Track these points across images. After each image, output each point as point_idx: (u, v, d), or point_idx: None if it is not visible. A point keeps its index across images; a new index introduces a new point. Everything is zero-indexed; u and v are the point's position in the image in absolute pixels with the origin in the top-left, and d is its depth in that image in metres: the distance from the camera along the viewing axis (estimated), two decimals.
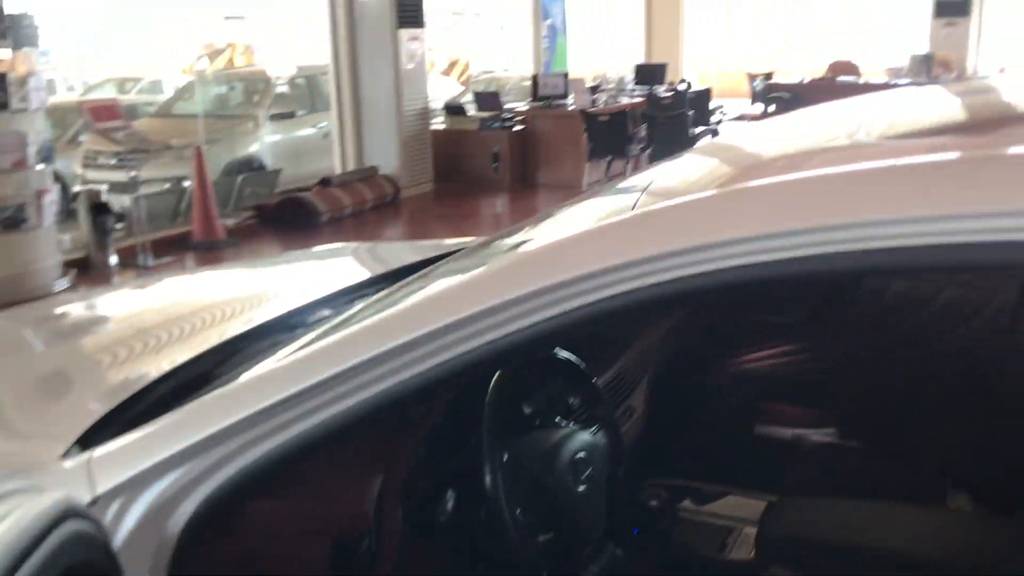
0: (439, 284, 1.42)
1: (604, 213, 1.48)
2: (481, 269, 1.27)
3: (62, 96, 17.91)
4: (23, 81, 5.80)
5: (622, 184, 1.92)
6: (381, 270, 2.33)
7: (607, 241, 1.14)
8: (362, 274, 2.37)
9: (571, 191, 9.38)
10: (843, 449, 2.23)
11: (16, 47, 5.88)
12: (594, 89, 10.80)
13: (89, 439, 1.41)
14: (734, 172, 1.51)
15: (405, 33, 9.04)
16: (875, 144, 1.43)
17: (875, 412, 2.18)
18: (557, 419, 1.58)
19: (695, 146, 2.03)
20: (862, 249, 0.98)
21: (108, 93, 17.47)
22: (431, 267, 1.84)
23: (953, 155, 1.16)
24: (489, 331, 1.12)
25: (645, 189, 1.41)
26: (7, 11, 5.85)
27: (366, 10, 9.04)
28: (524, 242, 1.59)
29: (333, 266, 2.72)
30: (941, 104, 1.76)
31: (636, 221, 1.18)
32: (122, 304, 2.52)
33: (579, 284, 1.09)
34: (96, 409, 1.53)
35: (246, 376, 1.36)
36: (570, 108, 9.98)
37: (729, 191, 1.20)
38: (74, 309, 2.50)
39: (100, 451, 1.27)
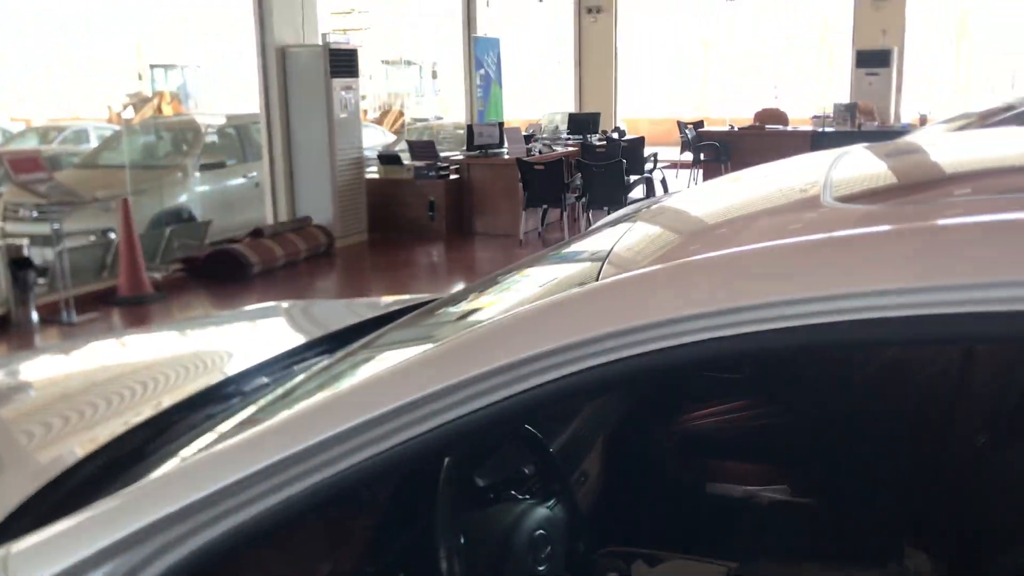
0: (388, 360, 1.35)
1: (557, 282, 1.44)
2: (440, 344, 1.21)
3: None
4: None
5: (569, 249, 1.88)
6: (317, 332, 2.25)
7: (574, 314, 1.09)
8: (297, 337, 2.28)
9: (507, 239, 9.39)
10: (796, 506, 2.19)
11: None
12: (528, 138, 10.87)
13: (6, 528, 1.30)
14: (687, 242, 1.47)
15: (339, 82, 8.99)
16: (810, 211, 1.41)
17: (827, 468, 2.15)
18: (512, 491, 1.51)
19: (640, 210, 2.00)
20: (814, 324, 0.96)
21: (30, 143, 17.07)
22: (375, 335, 1.77)
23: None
24: (445, 412, 1.06)
25: (603, 259, 1.36)
26: None
27: (298, 59, 8.98)
28: (473, 310, 1.53)
29: (266, 327, 2.63)
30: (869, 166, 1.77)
31: (601, 293, 1.13)
32: (44, 371, 2.40)
33: (543, 360, 1.03)
34: (14, 494, 1.42)
35: (185, 458, 1.27)
36: (506, 157, 10.01)
37: (687, 264, 1.16)
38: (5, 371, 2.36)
39: (19, 545, 1.16)
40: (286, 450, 1.07)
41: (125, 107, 24.86)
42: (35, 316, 6.40)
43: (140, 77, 29.34)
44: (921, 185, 1.54)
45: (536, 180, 9.19)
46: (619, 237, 1.73)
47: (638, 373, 1.05)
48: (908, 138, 2.10)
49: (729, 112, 20.65)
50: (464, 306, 1.77)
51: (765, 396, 2.32)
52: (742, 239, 1.24)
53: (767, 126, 13.08)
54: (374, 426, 1.06)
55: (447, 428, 1.06)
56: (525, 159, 9.49)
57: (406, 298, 2.63)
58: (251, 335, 2.54)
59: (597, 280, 1.22)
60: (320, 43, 9.10)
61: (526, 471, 1.56)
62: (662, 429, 2.28)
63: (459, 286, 8.21)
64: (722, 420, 2.33)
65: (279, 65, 8.97)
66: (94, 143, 14.83)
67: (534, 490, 1.54)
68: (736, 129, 13.28)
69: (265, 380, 1.86)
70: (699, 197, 2.04)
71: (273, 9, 8.86)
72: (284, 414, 1.19)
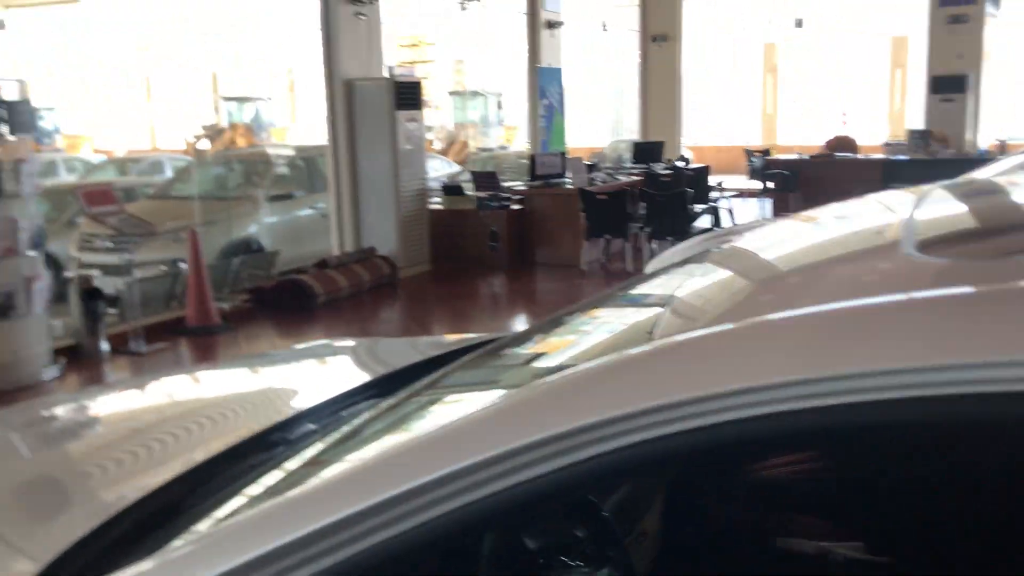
0: (446, 416, 1.28)
1: (621, 336, 1.36)
2: (496, 404, 1.15)
3: (63, 177, 18.03)
4: (16, 167, 5.75)
5: (635, 291, 1.80)
6: (379, 371, 2.23)
7: (636, 379, 1.01)
8: (359, 376, 2.27)
9: (569, 270, 9.31)
10: (873, 565, 2.06)
11: (12, 133, 5.84)
12: (591, 167, 10.81)
13: (64, 563, 1.31)
14: (756, 292, 1.38)
15: (403, 114, 9.07)
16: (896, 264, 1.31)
17: (907, 527, 2.02)
18: (563, 558, 1.42)
19: (706, 251, 1.91)
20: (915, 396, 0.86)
21: (108, 174, 17.58)
22: (434, 378, 1.72)
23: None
24: (505, 477, 0.98)
25: (668, 309, 1.28)
26: (5, 98, 5.83)
27: (364, 92, 9.08)
28: (534, 358, 1.47)
29: (328, 366, 2.61)
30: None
31: (666, 356, 1.05)
32: (110, 408, 2.43)
33: (601, 429, 0.96)
34: (72, 531, 1.42)
35: (249, 502, 1.24)
36: (568, 187, 9.96)
37: (757, 325, 1.07)
38: (62, 411, 2.41)
39: None
40: (339, 512, 1.02)
41: (199, 139, 25.59)
42: (105, 346, 6.52)
43: (216, 110, 30.10)
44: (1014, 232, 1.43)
45: (598, 210, 9.11)
46: (684, 282, 1.65)
47: (703, 445, 0.97)
48: (995, 175, 1.97)
49: (798, 139, 20.35)
50: (525, 352, 1.72)
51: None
52: (817, 294, 1.15)
53: (837, 154, 12.79)
54: (414, 496, 0.99)
55: (497, 497, 0.99)
56: (587, 189, 9.43)
57: (467, 338, 2.59)
58: (313, 374, 2.52)
59: (659, 335, 1.14)
60: (385, 76, 9.20)
61: (578, 534, 1.47)
62: (728, 481, 2.17)
63: (521, 319, 8.16)
64: (795, 470, 2.21)
65: (346, 98, 9.09)
66: (169, 174, 15.26)
67: (587, 556, 1.45)
68: (805, 157, 13.03)
69: (323, 423, 1.84)
70: (767, 240, 1.94)
71: (340, 44, 8.99)
72: (336, 471, 1.14)
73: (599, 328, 1.63)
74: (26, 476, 1.87)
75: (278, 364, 2.66)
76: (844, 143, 13.13)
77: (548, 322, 1.97)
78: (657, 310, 1.34)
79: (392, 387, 1.95)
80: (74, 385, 6.12)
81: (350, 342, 2.90)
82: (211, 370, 2.97)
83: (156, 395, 2.50)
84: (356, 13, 9.09)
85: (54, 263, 9.97)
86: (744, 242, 1.87)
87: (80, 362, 6.40)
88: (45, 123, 28.83)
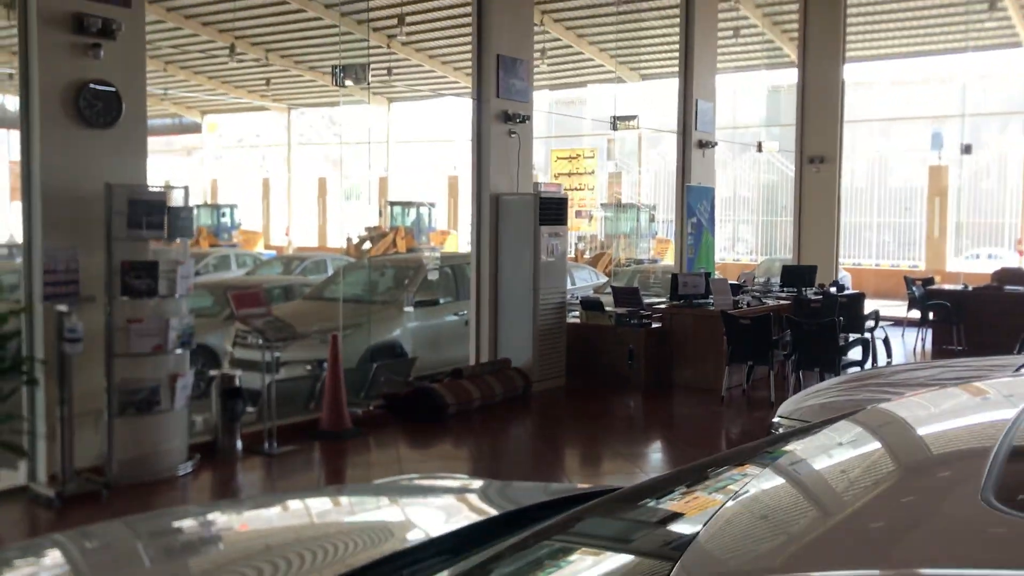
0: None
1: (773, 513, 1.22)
2: None
3: (234, 271, 19.18)
4: (173, 269, 6.11)
5: (785, 452, 1.67)
6: (504, 507, 2.24)
7: None
8: (481, 514, 2.28)
9: (709, 395, 8.97)
10: None
11: (171, 238, 6.23)
12: (737, 288, 10.52)
13: None
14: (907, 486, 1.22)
15: (546, 229, 9.16)
16: None
17: None
18: None
19: (857, 408, 1.77)
20: None
21: (275, 271, 18.57)
22: (560, 522, 1.64)
23: None
24: None
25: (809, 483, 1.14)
26: (168, 204, 6.25)
27: (510, 206, 9.25)
28: (673, 517, 1.34)
29: (450, 503, 2.55)
30: None
31: None
32: (234, 524, 2.47)
33: None
34: None
35: None
36: (711, 308, 9.70)
37: None
38: (189, 524, 2.49)
39: None
40: None
41: (362, 240, 26.78)
42: (239, 445, 6.72)
43: (380, 212, 31.51)
44: None
45: (742, 334, 8.80)
46: (832, 452, 1.52)
47: None
48: None
49: (964, 267, 19.25)
50: (663, 507, 1.63)
51: None
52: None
53: (1006, 287, 11.96)
54: None
55: None
56: (730, 312, 9.15)
57: (609, 485, 2.48)
58: (434, 506, 2.51)
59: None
60: (532, 192, 9.36)
61: None
62: None
63: (656, 447, 7.88)
64: None
65: (492, 210, 9.28)
66: (330, 272, 15.96)
67: None
68: (970, 288, 12.24)
69: (442, 559, 1.82)
70: (926, 412, 1.76)
71: (491, 159, 9.25)
72: None
73: (745, 495, 1.50)
74: None
75: (401, 496, 2.64)
76: (1015, 275, 12.27)
77: (688, 471, 1.88)
78: (807, 483, 1.21)
79: (510, 528, 1.91)
80: (206, 482, 6.31)
81: (477, 483, 2.86)
82: (337, 495, 3.00)
83: (279, 515, 2.55)
84: (509, 132, 9.36)
85: (211, 355, 10.53)
86: (899, 410, 1.71)
87: (214, 459, 6.60)
88: (225, 219, 31.05)
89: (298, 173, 34.82)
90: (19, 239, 6.05)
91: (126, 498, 5.76)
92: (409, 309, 10.86)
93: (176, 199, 6.34)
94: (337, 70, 7.78)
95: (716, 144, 12.76)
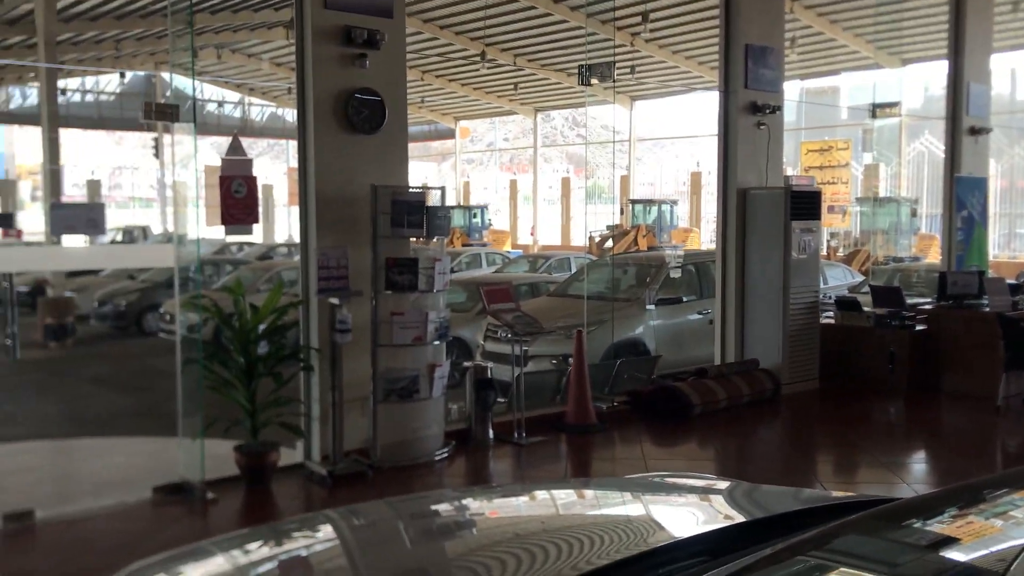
0: None
1: None
2: None
3: (484, 269, 19.95)
4: (431, 266, 6.44)
5: None
6: (755, 514, 2.18)
7: None
8: (731, 518, 2.25)
9: (982, 403, 8.22)
10: None
11: (429, 236, 6.57)
12: (1016, 288, 9.56)
13: None
14: None
15: (798, 224, 8.78)
16: None
17: None
18: None
19: None
20: None
21: (521, 269, 19.12)
22: (817, 536, 1.57)
23: None
24: None
25: None
26: (427, 204, 6.60)
27: (758, 200, 8.96)
28: (948, 541, 1.26)
29: (702, 503, 2.52)
30: None
31: None
32: (491, 509, 2.58)
33: None
34: None
35: None
36: (985, 309, 8.89)
37: None
38: (448, 507, 2.63)
39: None
40: None
41: (605, 239, 26.97)
42: (491, 433, 6.97)
43: (622, 211, 31.58)
44: None
45: (1021, 340, 7.98)
46: None
47: None
48: None
49: None
50: (932, 529, 1.53)
51: None
52: None
53: None
54: None
55: None
56: (1009, 314, 8.32)
57: (864, 495, 2.36)
58: (683, 506, 2.48)
59: None
60: (782, 185, 9.01)
61: None
62: None
63: (920, 460, 7.34)
64: None
65: (739, 205, 9.03)
66: (573, 270, 16.24)
67: None
68: None
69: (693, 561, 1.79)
70: None
71: (739, 153, 9.01)
72: None
73: None
74: (407, 566, 2.01)
75: (650, 492, 2.63)
76: None
77: (961, 490, 1.76)
78: None
79: (763, 534, 1.86)
80: (460, 467, 6.60)
81: (724, 483, 2.79)
82: (585, 488, 3.05)
83: (528, 503, 2.62)
84: (757, 123, 9.07)
85: (464, 347, 11.03)
86: None
87: (467, 447, 6.89)
88: (476, 220, 32.33)
89: (543, 174, 35.63)
90: (296, 239, 6.64)
91: (388, 479, 6.15)
92: (651, 307, 10.81)
93: (433, 200, 6.68)
94: (583, 69, 7.89)
95: (991, 130, 11.67)
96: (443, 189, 6.78)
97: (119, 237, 25.92)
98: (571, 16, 21.23)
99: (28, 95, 33.01)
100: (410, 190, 6.50)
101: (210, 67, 33.13)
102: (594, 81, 7.77)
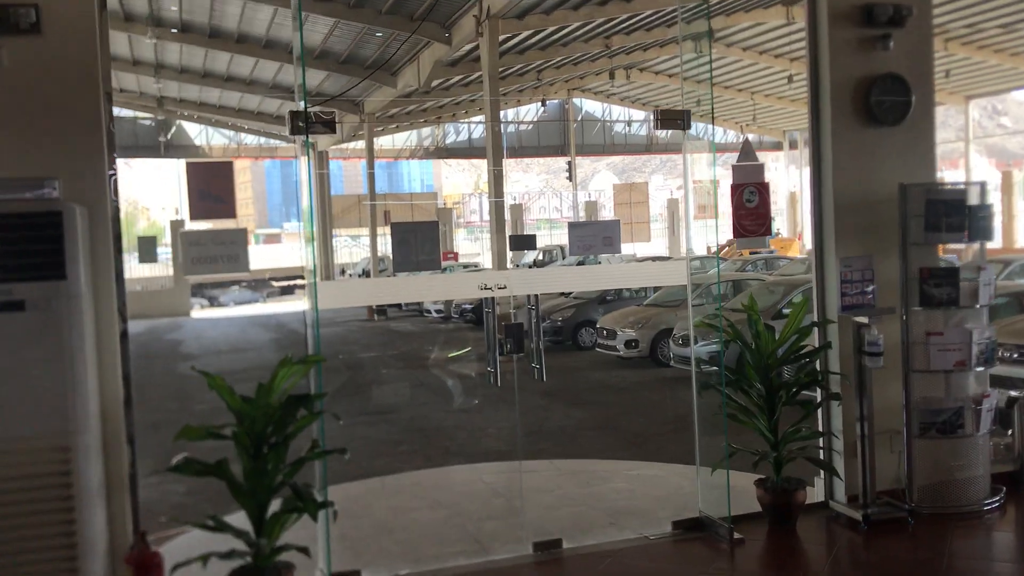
0: None
1: None
2: None
3: None
4: (974, 276, 5.40)
5: None
6: None
7: None
8: None
9: None
10: None
11: (971, 240, 5.53)
12: None
13: None
14: None
15: None
16: None
17: None
18: None
19: None
20: None
21: None
22: None
23: None
24: None
25: None
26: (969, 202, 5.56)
27: None
28: None
29: None
30: None
31: None
32: None
33: None
34: None
35: None
36: None
37: None
38: None
39: None
40: None
41: None
42: None
43: None
44: None
45: None
46: None
47: None
48: None
49: None
50: None
51: None
52: None
53: None
54: None
55: None
56: None
57: None
58: None
59: None
60: None
61: None
62: None
63: None
64: None
65: None
66: None
67: None
68: None
69: None
70: None
71: None
72: None
73: None
74: None
75: None
76: None
77: None
78: None
79: None
80: (1012, 520, 5.45)
81: None
82: None
83: None
84: None
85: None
86: None
87: (1020, 493, 5.70)
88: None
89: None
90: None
91: (929, 528, 5.21)
92: None
93: (972, 196, 5.60)
94: None
95: None
96: (983, 184, 5.67)
97: (540, 256, 27.25)
98: None
99: (460, 131, 36.29)
100: (948, 187, 5.49)
101: (619, 88, 34.05)
102: None
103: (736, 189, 5.42)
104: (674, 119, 5.37)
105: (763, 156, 42.10)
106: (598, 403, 11.75)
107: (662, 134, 39.43)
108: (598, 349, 15.55)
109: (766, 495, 5.27)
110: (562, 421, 10.37)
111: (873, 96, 5.50)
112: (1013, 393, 5.90)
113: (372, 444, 9.48)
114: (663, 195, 44.59)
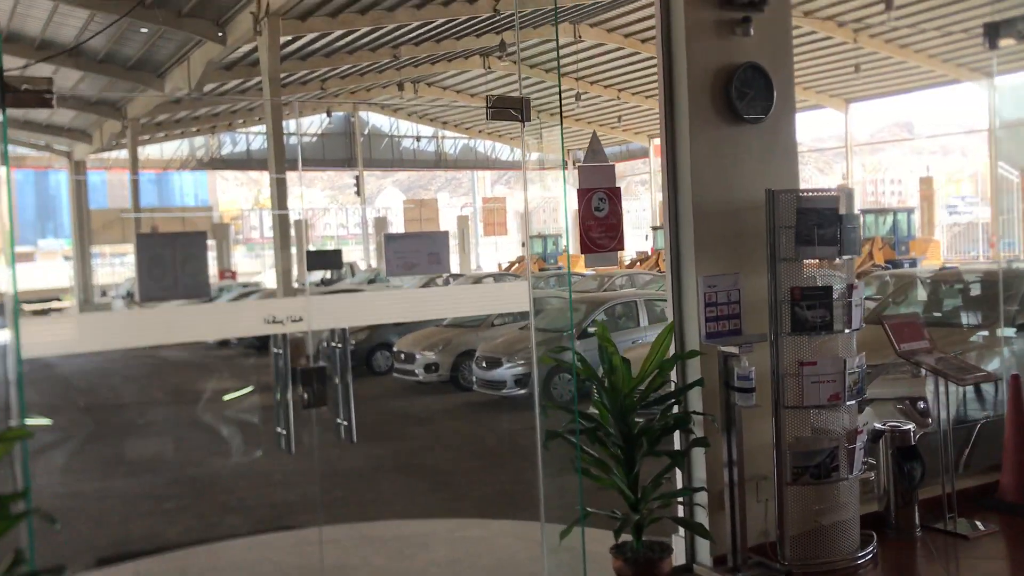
0: None
1: None
2: None
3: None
4: (846, 295, 4.73)
5: None
6: None
7: None
8: None
9: None
10: None
11: (843, 253, 4.86)
12: None
13: None
14: None
15: None
16: None
17: None
18: None
19: None
20: None
21: None
22: None
23: None
24: None
25: None
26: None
27: None
28: None
29: None
30: None
31: None
32: None
33: None
34: None
35: None
36: None
37: None
38: None
39: None
40: None
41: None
42: (917, 521, 5.15)
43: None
44: None
45: None
46: None
47: None
48: None
49: None
50: None
51: None
52: None
53: None
54: None
55: None
56: None
57: None
58: None
59: None
60: None
61: None
62: None
63: None
64: None
65: None
66: None
67: None
68: None
69: None
70: None
71: None
72: None
73: None
74: None
75: None
76: None
77: None
78: None
79: None
80: (886, 573, 4.81)
81: None
82: None
83: None
84: None
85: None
86: None
87: (887, 539, 5.08)
88: (903, 227, 27.30)
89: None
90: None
91: None
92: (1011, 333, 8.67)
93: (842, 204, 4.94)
94: (989, 29, 5.97)
95: None
96: (850, 191, 5.03)
97: (329, 275, 25.66)
98: None
99: (238, 141, 33.92)
100: (819, 193, 4.79)
101: (407, 103, 33.02)
102: (1007, 42, 5.85)
103: (584, 195, 4.47)
104: (509, 108, 4.35)
105: (631, 166, 41.54)
106: (398, 437, 10.59)
107: (450, 149, 38.81)
108: (395, 374, 14.37)
109: (625, 567, 4.32)
110: (357, 461, 9.09)
111: (734, 88, 4.73)
112: (877, 426, 5.30)
113: (130, 502, 7.84)
114: (452, 212, 44.02)
